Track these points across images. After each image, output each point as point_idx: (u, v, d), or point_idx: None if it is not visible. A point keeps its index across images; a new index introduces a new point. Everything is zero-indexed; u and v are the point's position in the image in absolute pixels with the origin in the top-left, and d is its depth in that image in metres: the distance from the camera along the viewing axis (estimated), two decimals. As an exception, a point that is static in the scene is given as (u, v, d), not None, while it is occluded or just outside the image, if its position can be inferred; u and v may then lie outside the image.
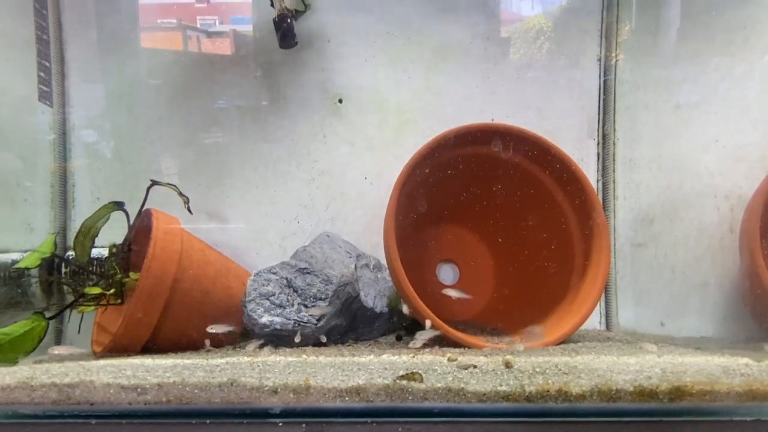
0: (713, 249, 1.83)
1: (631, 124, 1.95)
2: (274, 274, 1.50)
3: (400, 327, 1.70)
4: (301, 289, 1.47)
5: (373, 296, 1.61)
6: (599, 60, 1.97)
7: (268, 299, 1.44)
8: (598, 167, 1.98)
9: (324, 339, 1.45)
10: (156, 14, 2.09)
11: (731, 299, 1.82)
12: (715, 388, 0.88)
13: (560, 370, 0.98)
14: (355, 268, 1.59)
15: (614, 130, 1.96)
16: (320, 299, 1.44)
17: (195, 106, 1.98)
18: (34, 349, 1.35)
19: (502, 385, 0.89)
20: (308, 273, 1.50)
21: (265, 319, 1.40)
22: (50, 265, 1.70)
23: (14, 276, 1.66)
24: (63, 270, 1.72)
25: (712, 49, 1.84)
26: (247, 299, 1.44)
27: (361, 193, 1.97)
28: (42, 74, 1.91)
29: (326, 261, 1.56)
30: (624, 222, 1.95)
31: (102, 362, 1.15)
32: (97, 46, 2.00)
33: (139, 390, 0.90)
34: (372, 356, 1.17)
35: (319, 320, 1.42)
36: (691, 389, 0.87)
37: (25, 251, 1.70)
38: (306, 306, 1.44)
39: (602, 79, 1.97)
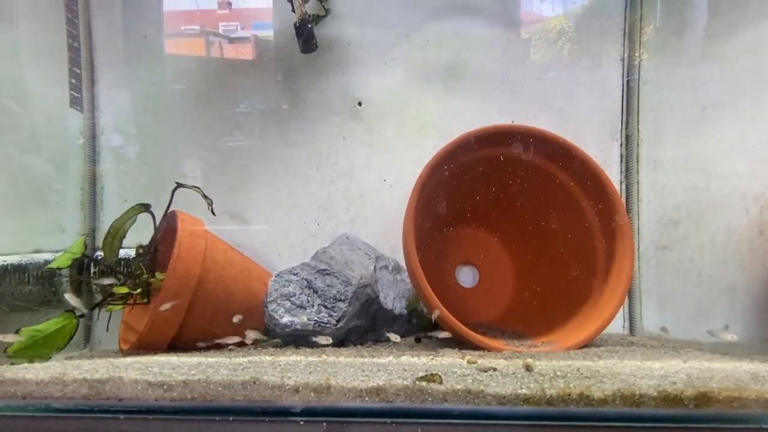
0: (741, 252, 1.78)
1: (655, 124, 1.91)
2: (294, 275, 1.52)
3: (419, 329, 1.70)
4: (321, 290, 1.48)
5: (392, 298, 1.62)
6: (622, 60, 1.94)
7: (288, 300, 1.46)
8: (621, 168, 1.95)
9: (329, 341, 1.46)
10: (180, 21, 2.14)
11: (760, 304, 1.76)
12: (743, 394, 0.86)
13: (582, 374, 0.97)
14: (374, 269, 1.60)
15: (638, 130, 1.92)
16: (340, 300, 1.46)
17: (218, 111, 2.03)
18: (66, 345, 1.40)
19: (522, 388, 0.89)
20: (328, 274, 1.52)
21: (285, 319, 1.42)
22: (80, 265, 1.76)
23: (47, 275, 1.72)
24: (92, 270, 1.78)
25: (739, 47, 1.79)
26: (268, 300, 1.46)
27: (380, 196, 1.98)
28: (73, 81, 1.98)
29: (346, 262, 1.58)
30: (648, 224, 1.91)
31: (130, 359, 1.18)
32: (124, 53, 2.07)
33: (165, 387, 0.93)
34: (391, 357, 1.18)
35: (338, 321, 1.43)
36: (718, 395, 0.85)
37: (57, 252, 1.77)
38: (326, 307, 1.45)
39: (625, 79, 1.94)
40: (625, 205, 1.86)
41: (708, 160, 1.83)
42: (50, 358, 1.35)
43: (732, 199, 1.79)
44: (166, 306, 1.37)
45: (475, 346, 1.34)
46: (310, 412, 0.90)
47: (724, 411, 0.86)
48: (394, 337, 1.44)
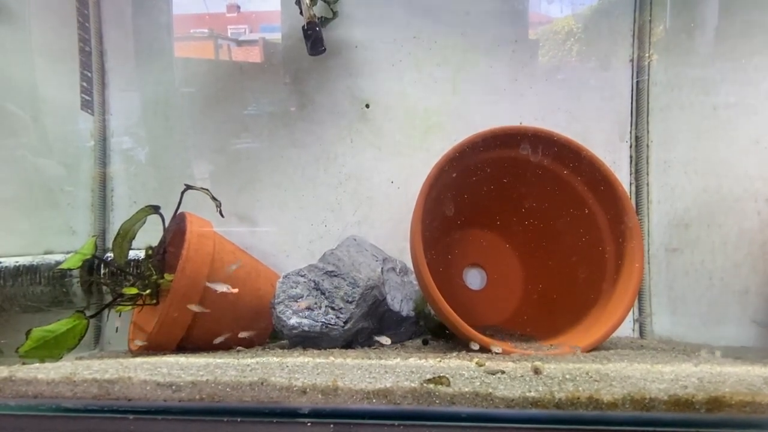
0: (754, 255, 1.75)
1: (665, 125, 1.90)
2: (302, 276, 1.52)
3: (426, 331, 1.70)
4: (329, 292, 1.48)
5: (400, 300, 1.62)
6: (631, 61, 1.93)
7: (296, 301, 1.47)
8: (630, 170, 1.93)
9: (388, 341, 1.48)
10: (189, 25, 2.16)
11: (774, 307, 1.74)
12: (756, 399, 0.84)
13: (591, 377, 0.96)
14: (382, 271, 1.60)
15: (647, 132, 1.91)
16: (347, 302, 1.46)
17: (227, 113, 2.04)
18: (76, 345, 1.42)
19: (530, 391, 0.88)
20: (335, 276, 1.52)
21: (293, 320, 1.42)
22: (90, 266, 1.78)
23: (58, 276, 1.74)
24: (102, 271, 1.80)
25: (751, 47, 1.77)
26: (276, 301, 1.47)
27: (387, 197, 1.98)
28: (84, 84, 2.00)
29: (353, 264, 1.58)
30: (658, 226, 1.89)
31: (139, 360, 1.19)
32: (135, 57, 2.09)
33: (174, 387, 0.93)
34: (399, 359, 1.17)
35: (346, 323, 1.43)
36: (730, 400, 0.84)
37: (68, 253, 1.78)
38: (333, 308, 1.45)
39: (635, 80, 1.93)
40: (634, 207, 1.85)
41: (719, 162, 1.81)
42: (61, 358, 1.36)
43: (744, 201, 1.77)
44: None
45: (483, 349, 1.33)
46: (317, 414, 0.90)
47: (736, 416, 0.84)
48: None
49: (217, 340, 1.47)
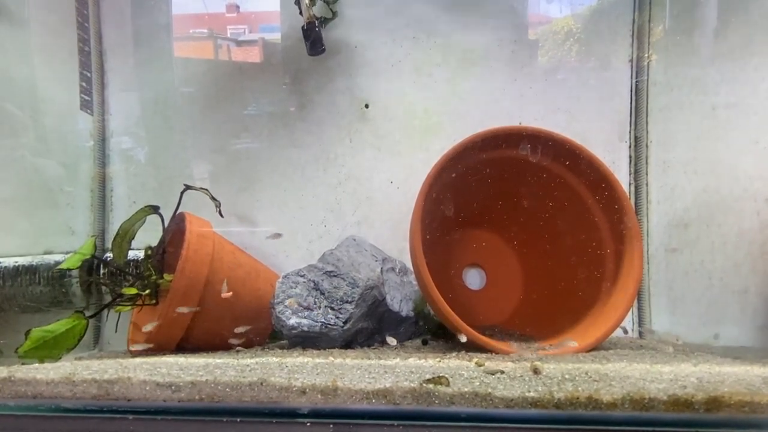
0: (753, 255, 1.76)
1: (664, 126, 1.90)
2: (301, 276, 1.52)
3: (426, 331, 1.70)
4: (328, 292, 1.48)
5: (399, 300, 1.62)
6: (631, 61, 1.93)
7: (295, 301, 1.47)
8: (630, 170, 1.93)
9: (394, 342, 1.49)
10: (188, 24, 2.16)
11: (773, 307, 1.74)
12: (755, 399, 0.84)
13: (590, 377, 0.96)
14: (381, 271, 1.60)
15: (647, 132, 1.91)
16: (347, 302, 1.46)
17: (226, 113, 2.04)
18: (75, 345, 1.42)
19: (530, 391, 0.88)
20: (335, 276, 1.52)
21: (293, 320, 1.42)
22: (90, 266, 1.77)
23: (57, 276, 1.74)
24: (101, 271, 1.80)
25: (751, 47, 1.77)
26: (275, 301, 1.47)
27: (387, 197, 1.98)
28: (84, 84, 2.00)
29: (353, 264, 1.58)
30: (658, 227, 1.89)
31: (138, 360, 1.19)
32: (134, 57, 2.09)
33: (173, 387, 0.93)
34: (398, 359, 1.17)
35: (345, 323, 1.43)
36: (729, 400, 0.84)
37: (67, 253, 1.78)
38: (333, 308, 1.45)
39: (634, 81, 1.93)
40: (634, 207, 1.85)
41: (718, 162, 1.81)
42: (60, 358, 1.36)
43: (743, 201, 1.77)
44: (184, 310, 1.39)
45: (483, 349, 1.33)
46: (317, 414, 0.91)
47: (735, 416, 0.85)
48: (391, 341, 1.46)
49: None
